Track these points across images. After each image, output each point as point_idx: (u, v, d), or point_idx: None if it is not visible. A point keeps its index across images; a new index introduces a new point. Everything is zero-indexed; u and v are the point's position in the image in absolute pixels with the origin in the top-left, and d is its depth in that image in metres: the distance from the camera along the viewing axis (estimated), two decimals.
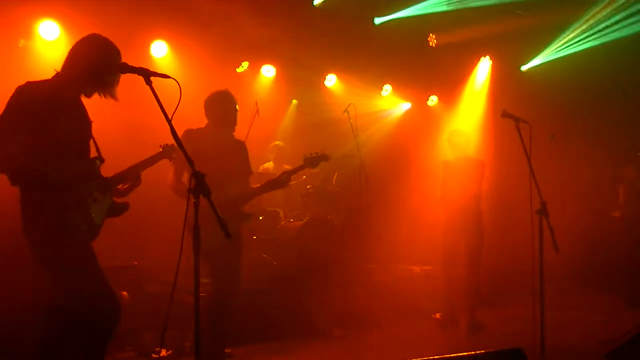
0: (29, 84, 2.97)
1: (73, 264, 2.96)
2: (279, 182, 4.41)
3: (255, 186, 4.53)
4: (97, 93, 3.18)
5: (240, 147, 4.51)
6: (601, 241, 8.47)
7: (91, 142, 3.23)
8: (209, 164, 4.18)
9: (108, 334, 3.09)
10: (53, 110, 2.94)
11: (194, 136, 4.21)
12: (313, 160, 4.60)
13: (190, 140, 3.98)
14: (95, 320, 3.00)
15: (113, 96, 3.20)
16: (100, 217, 3.18)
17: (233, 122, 4.43)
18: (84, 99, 3.20)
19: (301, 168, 4.63)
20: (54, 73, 3.12)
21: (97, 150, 3.28)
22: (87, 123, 3.18)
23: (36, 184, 2.91)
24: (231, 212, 4.24)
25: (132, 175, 3.46)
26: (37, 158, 2.86)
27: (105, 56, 3.12)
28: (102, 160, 3.27)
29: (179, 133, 2.82)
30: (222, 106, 4.39)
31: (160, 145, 3.81)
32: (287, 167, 7.37)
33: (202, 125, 4.40)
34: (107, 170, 3.34)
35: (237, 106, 4.44)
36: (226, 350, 4.48)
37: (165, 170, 4.19)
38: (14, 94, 2.93)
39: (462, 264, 5.98)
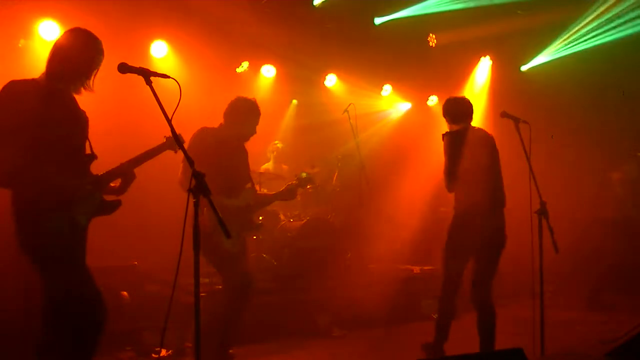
0: (12, 82, 2.92)
1: (55, 265, 2.92)
2: (285, 195, 4.78)
3: (263, 194, 4.74)
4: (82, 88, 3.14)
5: (246, 154, 4.59)
6: (600, 241, 8.45)
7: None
8: (225, 167, 4.28)
9: (93, 336, 3.03)
10: (39, 109, 2.88)
11: (211, 136, 4.28)
12: (305, 181, 5.04)
13: (204, 139, 4.20)
14: (80, 321, 2.97)
15: (88, 88, 3.15)
16: (84, 217, 3.05)
17: (252, 134, 4.50)
18: (84, 99, 3.18)
19: (296, 187, 4.92)
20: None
21: (90, 147, 3.21)
22: (78, 120, 3.12)
23: (20, 184, 2.86)
24: (244, 219, 4.42)
25: (126, 171, 3.29)
26: (22, 158, 2.81)
27: (88, 50, 3.10)
28: (94, 157, 3.18)
29: (180, 132, 2.81)
30: (247, 117, 4.45)
31: (165, 137, 3.62)
32: (285, 167, 7.41)
33: (216, 125, 4.42)
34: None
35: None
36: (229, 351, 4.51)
37: (166, 171, 4.19)
38: None
39: None
